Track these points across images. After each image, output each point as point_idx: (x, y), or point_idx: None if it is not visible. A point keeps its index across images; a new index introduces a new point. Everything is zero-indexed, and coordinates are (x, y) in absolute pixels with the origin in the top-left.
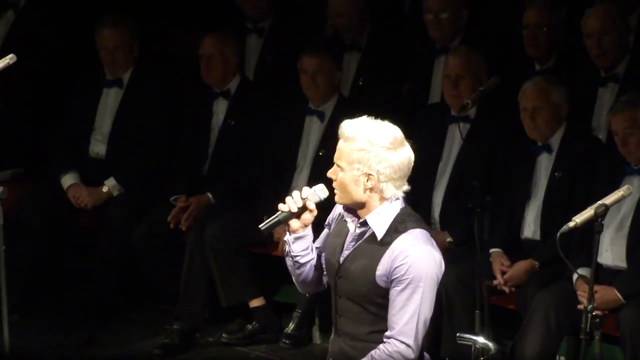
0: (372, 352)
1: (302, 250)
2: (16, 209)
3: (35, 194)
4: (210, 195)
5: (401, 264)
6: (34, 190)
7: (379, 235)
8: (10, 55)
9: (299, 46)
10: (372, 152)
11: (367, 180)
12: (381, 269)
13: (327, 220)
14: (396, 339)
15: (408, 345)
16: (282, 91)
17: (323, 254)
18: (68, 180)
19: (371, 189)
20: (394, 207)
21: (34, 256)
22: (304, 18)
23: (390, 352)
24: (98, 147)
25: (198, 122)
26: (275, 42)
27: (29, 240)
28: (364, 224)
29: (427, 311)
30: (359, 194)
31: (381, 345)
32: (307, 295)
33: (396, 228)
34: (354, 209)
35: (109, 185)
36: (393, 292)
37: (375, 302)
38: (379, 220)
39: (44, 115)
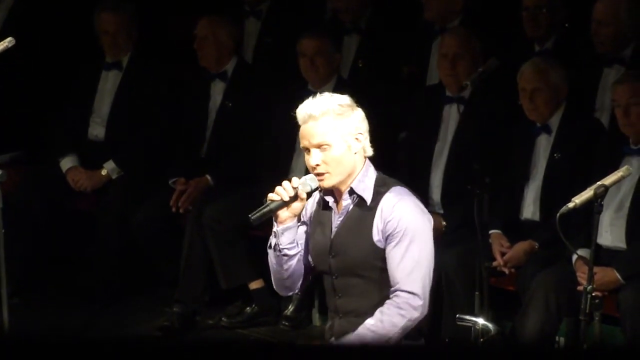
0: (380, 308)
1: (289, 243)
2: (15, 192)
3: (35, 177)
4: (209, 178)
5: (392, 218)
6: (33, 174)
7: (368, 199)
8: (9, 39)
9: (297, 29)
10: (348, 113)
11: (358, 141)
12: (376, 231)
13: (301, 218)
14: (401, 290)
15: (415, 294)
16: (281, 74)
17: (308, 248)
18: (67, 163)
19: (358, 151)
20: (371, 173)
21: (34, 239)
22: (301, 0)
23: (398, 304)
24: (97, 130)
25: (196, 105)
26: (274, 25)
27: (29, 223)
28: (351, 192)
29: (428, 260)
30: (352, 160)
31: (388, 301)
32: (284, 295)
33: (378, 191)
34: (338, 187)
35: (108, 168)
36: (389, 247)
37: (376, 266)
38: (363, 186)
39: (43, 98)
